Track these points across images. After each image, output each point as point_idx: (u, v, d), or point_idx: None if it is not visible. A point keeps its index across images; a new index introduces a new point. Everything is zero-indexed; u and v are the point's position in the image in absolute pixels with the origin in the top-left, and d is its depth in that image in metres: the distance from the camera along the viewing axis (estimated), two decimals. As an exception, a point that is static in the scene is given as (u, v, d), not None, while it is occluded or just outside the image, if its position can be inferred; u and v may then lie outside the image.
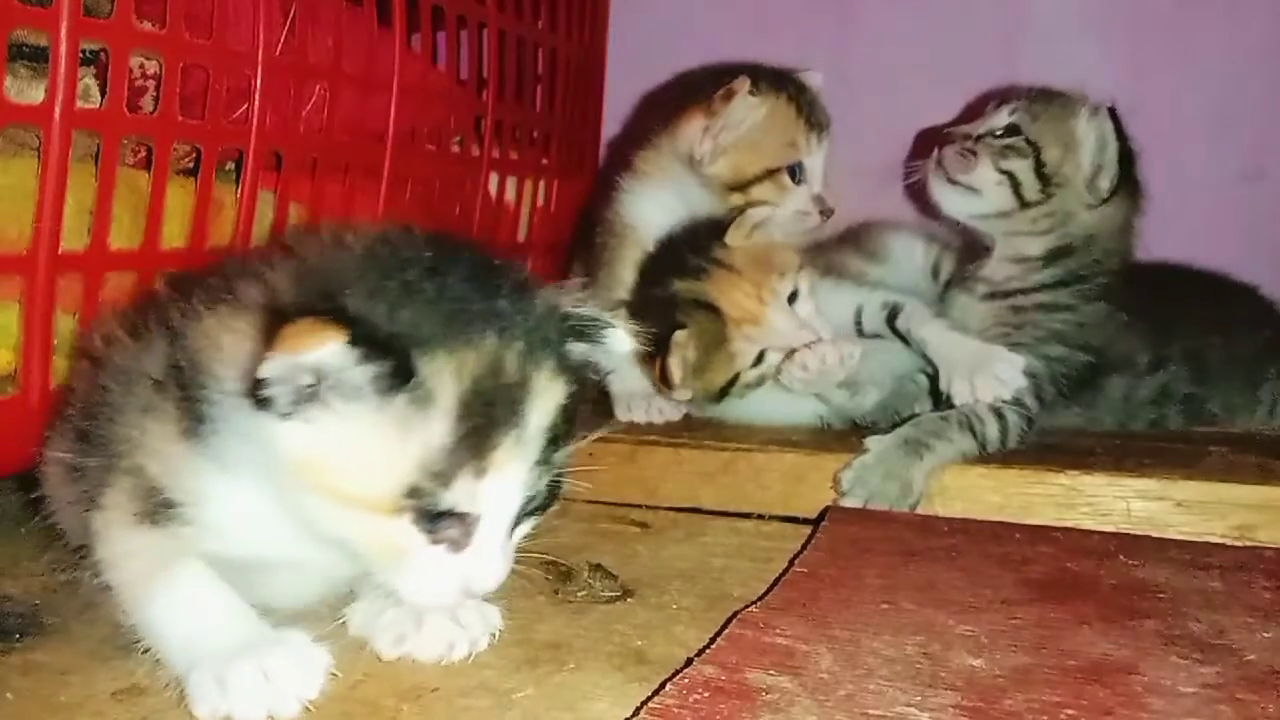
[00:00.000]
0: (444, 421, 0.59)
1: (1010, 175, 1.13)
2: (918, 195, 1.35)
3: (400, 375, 0.58)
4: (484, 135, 1.43)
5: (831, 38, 1.71)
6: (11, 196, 0.84)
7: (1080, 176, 1.13)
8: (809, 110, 1.24)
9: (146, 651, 0.65)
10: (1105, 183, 1.12)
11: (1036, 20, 1.65)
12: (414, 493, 0.60)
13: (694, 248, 1.15)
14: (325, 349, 0.56)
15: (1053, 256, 1.14)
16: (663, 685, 0.60)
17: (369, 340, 0.57)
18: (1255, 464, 1.01)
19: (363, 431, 0.59)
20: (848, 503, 0.98)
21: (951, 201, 1.17)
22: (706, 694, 0.58)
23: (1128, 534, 0.93)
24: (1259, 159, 1.60)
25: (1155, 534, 0.93)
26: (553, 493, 0.67)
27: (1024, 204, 1.13)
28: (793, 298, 1.12)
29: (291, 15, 1.06)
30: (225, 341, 0.64)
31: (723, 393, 1.14)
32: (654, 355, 1.08)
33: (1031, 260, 1.15)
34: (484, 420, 0.60)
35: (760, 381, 1.13)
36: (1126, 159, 1.13)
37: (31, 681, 0.67)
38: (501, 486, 0.62)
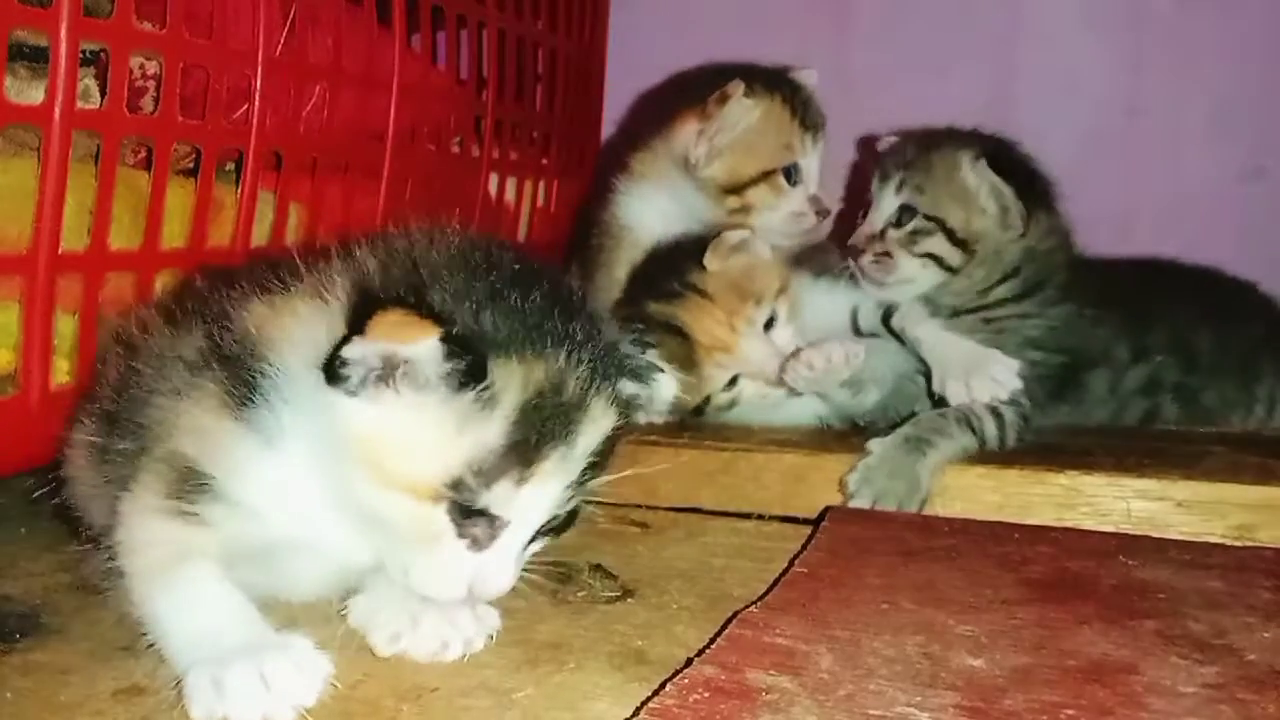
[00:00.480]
0: (501, 425, 0.62)
1: (930, 255, 1.15)
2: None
3: (474, 374, 0.61)
4: (484, 135, 1.43)
5: (830, 38, 1.71)
6: (12, 196, 0.84)
7: (991, 222, 1.14)
8: (803, 111, 1.24)
9: (150, 648, 0.65)
10: (1015, 220, 1.13)
11: (1036, 21, 1.66)
12: (457, 486, 0.63)
13: (670, 269, 1.15)
14: (420, 344, 0.60)
15: (1000, 280, 1.17)
16: (663, 685, 0.60)
17: (456, 338, 0.60)
18: (1255, 464, 1.01)
19: (424, 420, 0.62)
20: (855, 504, 0.98)
21: (893, 295, 1.18)
22: (707, 694, 0.58)
23: (1128, 534, 0.93)
24: (1258, 159, 1.60)
25: (1155, 534, 0.93)
26: (570, 518, 0.70)
27: (953, 271, 1.15)
28: (770, 323, 1.11)
29: (291, 15, 1.06)
30: (288, 322, 0.67)
31: (696, 411, 1.14)
32: None
33: (983, 288, 1.17)
34: (537, 432, 0.63)
35: (733, 404, 1.14)
36: (1025, 183, 1.13)
37: (31, 681, 0.67)
38: (536, 498, 0.65)
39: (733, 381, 1.12)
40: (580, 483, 0.67)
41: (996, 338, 1.13)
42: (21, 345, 0.83)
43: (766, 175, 1.21)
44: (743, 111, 1.19)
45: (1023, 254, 1.16)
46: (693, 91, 1.24)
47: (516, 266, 0.68)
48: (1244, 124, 1.60)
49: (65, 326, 0.87)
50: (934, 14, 1.68)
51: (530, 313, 0.65)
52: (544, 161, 1.60)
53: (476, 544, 0.65)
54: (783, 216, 1.25)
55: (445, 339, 0.60)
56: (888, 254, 1.15)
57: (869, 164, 1.26)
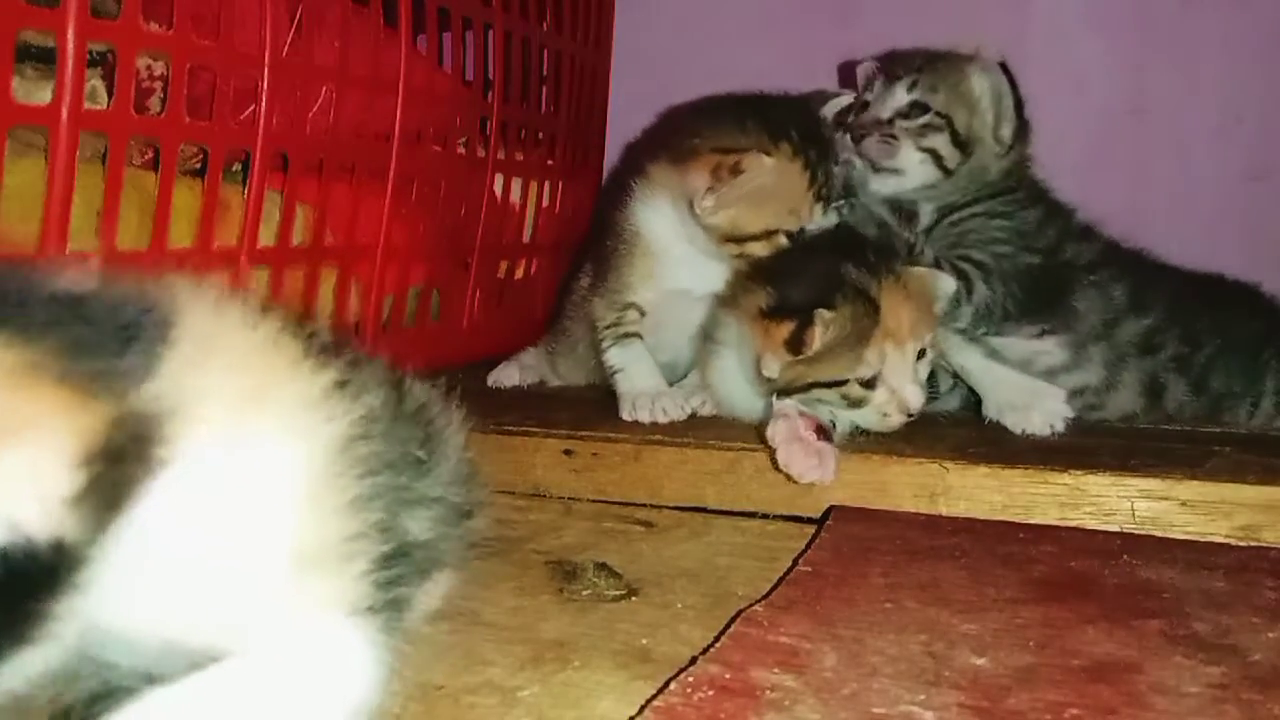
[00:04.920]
0: None
1: (932, 152, 1.21)
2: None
3: None
4: (489, 136, 1.44)
5: (834, 38, 1.71)
6: (20, 197, 0.84)
7: (987, 131, 1.21)
8: (823, 180, 1.19)
9: None
10: (1006, 132, 1.21)
11: (1041, 21, 1.66)
12: None
13: (879, 251, 1.14)
14: None
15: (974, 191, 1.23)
16: (667, 683, 0.60)
17: None
18: (1261, 464, 1.00)
19: None
20: None
21: (880, 185, 1.24)
22: (711, 692, 0.58)
23: (1132, 534, 0.93)
24: (1264, 158, 1.60)
25: (1160, 534, 0.93)
26: None
27: (948, 172, 1.21)
28: (921, 354, 1.09)
29: (298, 17, 1.06)
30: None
31: (808, 387, 1.07)
32: (782, 315, 1.05)
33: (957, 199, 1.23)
34: None
35: (857, 402, 1.07)
36: (1019, 102, 1.22)
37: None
38: None
39: (871, 384, 1.07)
40: None
41: (961, 239, 1.20)
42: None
43: (769, 234, 1.18)
44: (759, 170, 1.14)
45: (1003, 176, 1.23)
46: (726, 127, 1.19)
47: None
48: (1250, 124, 1.59)
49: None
50: (938, 14, 1.68)
51: None
52: (549, 162, 1.61)
53: None
54: None
55: None
56: (894, 137, 1.21)
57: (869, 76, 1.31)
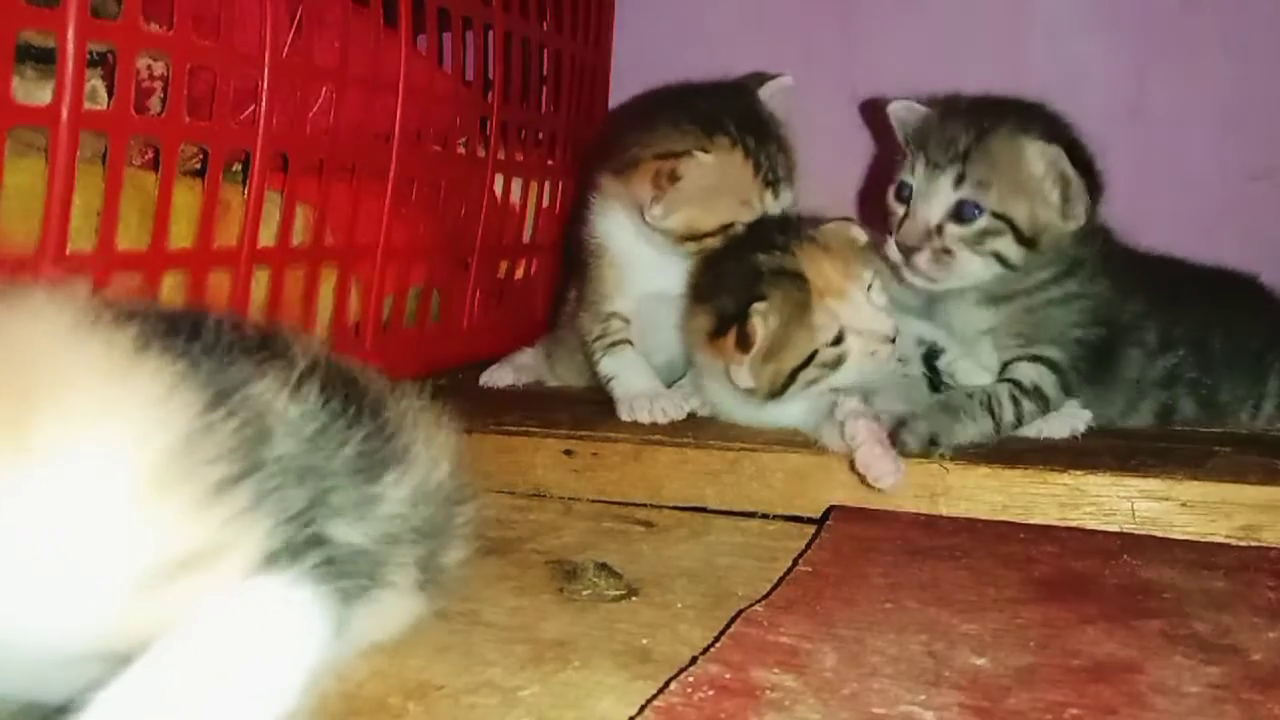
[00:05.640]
0: None
1: (995, 254, 1.07)
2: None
3: None
4: (490, 136, 1.44)
5: (835, 39, 1.71)
6: (19, 197, 0.84)
7: (1054, 213, 1.06)
8: (767, 166, 1.17)
9: None
10: (1079, 211, 1.05)
11: (1041, 20, 1.65)
12: None
13: (782, 226, 1.14)
14: None
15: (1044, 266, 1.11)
16: (667, 683, 0.60)
17: None
18: (1261, 464, 1.00)
19: None
20: (910, 446, 0.99)
21: (940, 288, 1.11)
22: (711, 692, 0.58)
23: (1132, 534, 0.93)
24: (1265, 158, 1.60)
25: (1160, 534, 0.93)
26: None
27: (1014, 269, 1.08)
28: (869, 289, 1.09)
29: (298, 17, 1.06)
30: None
31: (790, 378, 1.08)
32: (725, 329, 1.07)
33: (1028, 278, 1.11)
34: None
35: (839, 362, 1.07)
36: (1086, 170, 1.07)
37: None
38: None
39: (839, 340, 1.08)
40: None
41: (1037, 330, 1.10)
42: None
43: (724, 228, 1.17)
44: (699, 170, 1.14)
45: (1074, 242, 1.09)
46: (662, 130, 1.18)
47: None
48: (1250, 124, 1.59)
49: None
50: (938, 14, 1.68)
51: None
52: (550, 163, 1.61)
53: None
54: None
55: None
56: (948, 251, 1.06)
57: (878, 127, 1.21)
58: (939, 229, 1.07)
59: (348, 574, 0.56)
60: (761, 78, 1.26)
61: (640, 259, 1.23)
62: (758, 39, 1.74)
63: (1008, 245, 1.06)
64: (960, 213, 1.06)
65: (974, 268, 1.07)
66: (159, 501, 0.50)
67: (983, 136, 1.06)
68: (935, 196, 1.07)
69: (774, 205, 1.19)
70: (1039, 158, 1.05)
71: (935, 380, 1.16)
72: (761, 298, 1.05)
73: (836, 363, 1.07)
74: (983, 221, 1.05)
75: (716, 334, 1.09)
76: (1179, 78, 1.62)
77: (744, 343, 1.05)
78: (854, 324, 1.07)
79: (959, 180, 1.06)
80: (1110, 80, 1.64)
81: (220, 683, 0.49)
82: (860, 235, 1.13)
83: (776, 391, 1.08)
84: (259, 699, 0.50)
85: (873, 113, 1.53)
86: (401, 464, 0.65)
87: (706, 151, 1.15)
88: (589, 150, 1.45)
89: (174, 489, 0.50)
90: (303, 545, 0.54)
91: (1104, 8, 1.65)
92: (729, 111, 1.19)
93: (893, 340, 1.08)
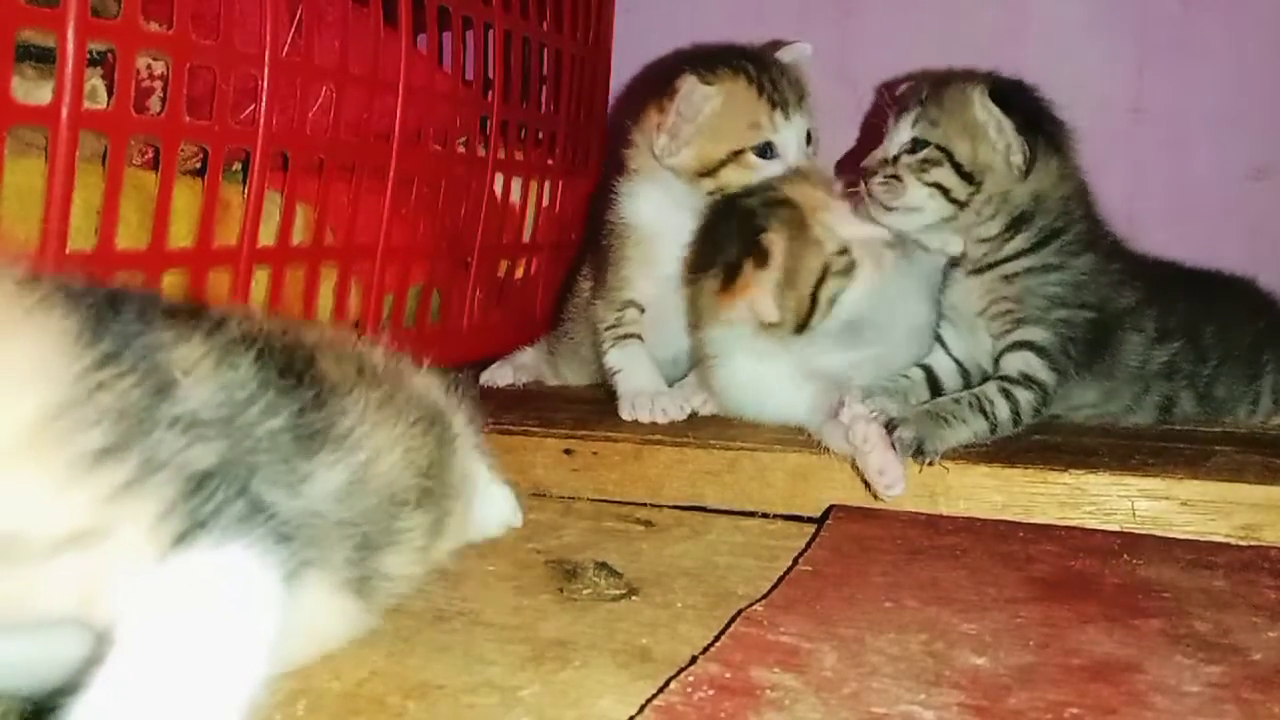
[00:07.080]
0: None
1: (937, 185, 1.16)
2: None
3: None
4: (489, 135, 1.44)
5: (833, 38, 1.71)
6: (19, 197, 0.84)
7: (999, 159, 1.15)
8: (771, 88, 1.22)
9: None
10: (1017, 159, 1.14)
11: (1041, 19, 1.66)
12: None
13: (759, 187, 1.19)
14: None
15: (1012, 227, 1.16)
16: (667, 683, 0.60)
17: None
18: (1261, 464, 1.00)
19: None
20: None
21: (897, 223, 1.18)
22: (711, 691, 0.58)
23: (1132, 533, 0.93)
24: (1265, 158, 1.60)
25: (1160, 533, 0.93)
26: None
27: (960, 204, 1.16)
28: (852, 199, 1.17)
29: (298, 16, 1.06)
30: None
31: (812, 303, 1.12)
32: (737, 271, 1.10)
33: (994, 238, 1.17)
34: None
35: (851, 268, 1.13)
36: (1031, 122, 1.15)
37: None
38: None
39: (844, 251, 1.14)
40: None
41: (1019, 306, 1.14)
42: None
43: (736, 155, 1.21)
44: (702, 99, 1.19)
45: (1031, 199, 1.16)
46: (664, 81, 1.24)
47: None
48: (1249, 123, 1.59)
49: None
50: (938, 12, 1.68)
51: None
52: (550, 162, 1.61)
53: None
54: None
55: None
56: (897, 177, 1.17)
57: (878, 127, 1.26)
58: (895, 160, 1.19)
59: (286, 539, 0.54)
60: (779, 43, 1.31)
61: (667, 230, 1.25)
62: (757, 39, 1.74)
63: (947, 175, 1.16)
64: (913, 147, 1.18)
65: (919, 197, 1.17)
66: (23, 467, 0.47)
67: (941, 85, 1.19)
68: (898, 133, 1.19)
69: (786, 126, 1.22)
70: (981, 106, 1.15)
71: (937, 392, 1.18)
72: (763, 229, 1.11)
73: (849, 269, 1.13)
74: (926, 151, 1.17)
75: (729, 280, 1.12)
76: (1179, 78, 1.62)
77: (761, 259, 1.09)
78: (850, 233, 1.14)
79: (916, 120, 1.18)
80: (1110, 80, 1.64)
81: (192, 669, 0.48)
82: (826, 169, 1.21)
83: (803, 320, 1.12)
84: (228, 680, 0.49)
85: (873, 113, 1.52)
86: (340, 449, 0.63)
87: (709, 84, 1.20)
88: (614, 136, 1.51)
89: (44, 454, 0.47)
90: (246, 510, 0.52)
91: (1104, 8, 1.65)
92: (729, 53, 1.25)
93: (890, 209, 1.14)
